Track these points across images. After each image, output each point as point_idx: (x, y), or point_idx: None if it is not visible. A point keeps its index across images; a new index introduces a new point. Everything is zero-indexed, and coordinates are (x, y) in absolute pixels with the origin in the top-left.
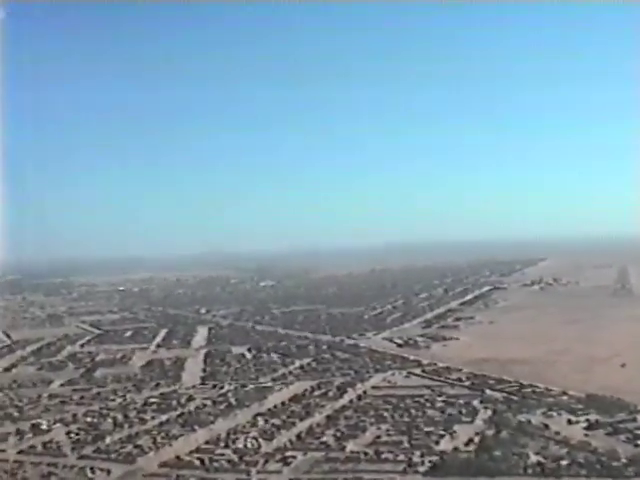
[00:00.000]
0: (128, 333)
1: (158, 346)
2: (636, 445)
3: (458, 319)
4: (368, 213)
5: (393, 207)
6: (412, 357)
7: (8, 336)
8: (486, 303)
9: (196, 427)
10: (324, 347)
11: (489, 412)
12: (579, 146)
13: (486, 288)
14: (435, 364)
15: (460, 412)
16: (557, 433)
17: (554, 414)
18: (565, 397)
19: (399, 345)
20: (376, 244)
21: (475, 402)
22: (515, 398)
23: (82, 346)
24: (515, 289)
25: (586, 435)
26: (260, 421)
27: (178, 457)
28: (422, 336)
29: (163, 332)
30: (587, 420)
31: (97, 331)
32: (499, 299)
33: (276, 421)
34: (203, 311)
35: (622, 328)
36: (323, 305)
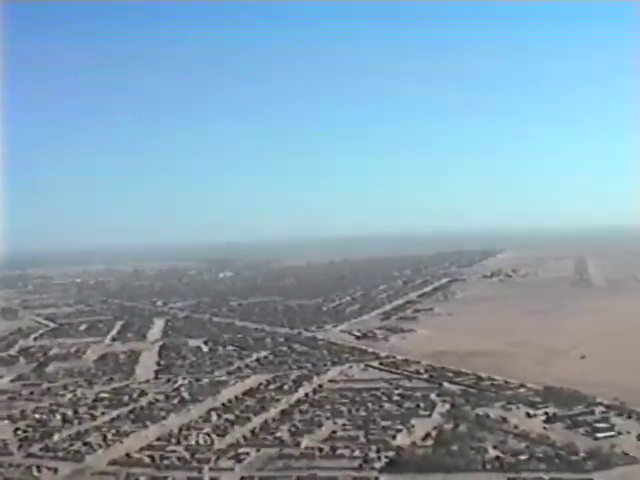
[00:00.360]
0: (83, 326)
1: (113, 339)
2: (595, 438)
3: (417, 311)
4: (334, 205)
5: (357, 199)
6: (370, 349)
7: None
8: (445, 295)
9: (148, 423)
10: (281, 340)
11: (447, 405)
12: (543, 137)
13: (445, 280)
14: (393, 357)
15: (418, 406)
16: (516, 427)
17: (513, 407)
18: (523, 390)
19: (357, 337)
20: (341, 235)
21: (433, 395)
22: (473, 391)
23: (35, 340)
24: (474, 281)
25: (545, 428)
26: (213, 416)
27: (128, 454)
28: (381, 328)
29: (119, 325)
30: (546, 413)
31: (52, 324)
32: (458, 291)
33: (230, 416)
34: (160, 303)
35: (581, 319)
36: (281, 297)
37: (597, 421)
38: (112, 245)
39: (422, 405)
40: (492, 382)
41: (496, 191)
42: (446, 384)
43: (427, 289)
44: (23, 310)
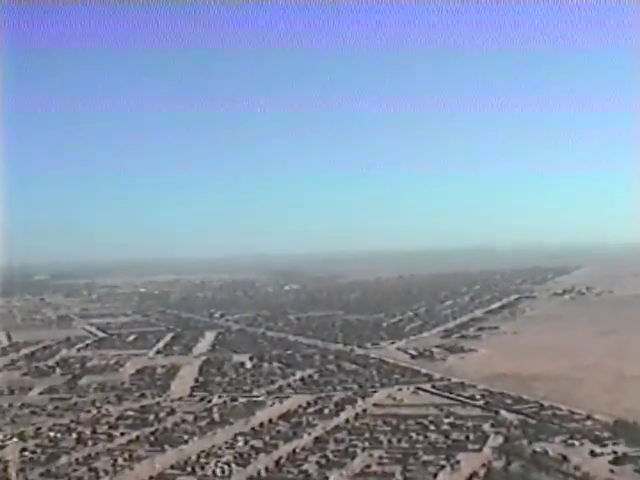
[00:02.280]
0: (132, 337)
1: (157, 352)
2: None
3: (481, 329)
4: (405, 218)
5: (428, 212)
6: (424, 370)
7: (9, 337)
8: (513, 312)
9: (166, 447)
10: (331, 357)
11: (500, 438)
12: (617, 152)
13: (514, 296)
14: (448, 379)
15: (467, 437)
16: (577, 468)
17: (576, 443)
18: (590, 422)
19: (413, 356)
20: (410, 249)
21: (486, 425)
22: (532, 422)
23: (79, 350)
24: (545, 298)
25: (612, 471)
26: (239, 442)
27: None
28: (439, 347)
29: (169, 337)
30: (614, 452)
31: (102, 334)
32: (527, 308)
33: (257, 443)
34: (217, 315)
35: None
36: (342, 311)
37: None
38: (184, 256)
39: (472, 437)
40: (554, 412)
41: (577, 205)
42: (503, 412)
43: (495, 306)
44: (79, 319)
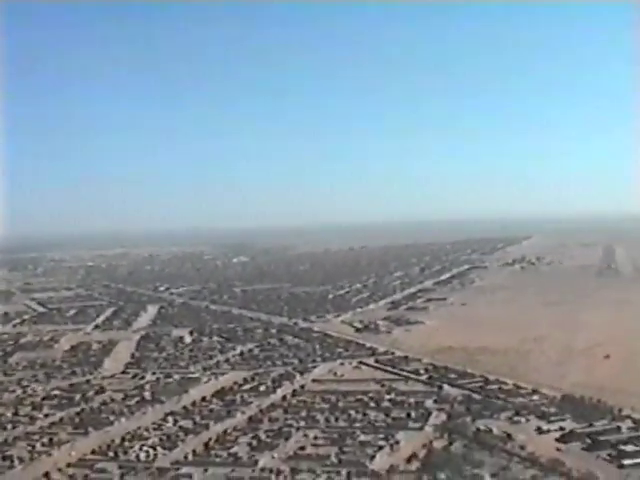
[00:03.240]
0: (72, 312)
1: (96, 327)
2: (620, 466)
3: (428, 300)
4: (359, 191)
5: (382, 185)
6: (368, 344)
7: None
8: (462, 283)
9: (90, 429)
10: (273, 330)
11: (443, 416)
12: (567, 124)
13: (465, 267)
14: (392, 353)
15: (409, 415)
16: (522, 447)
17: (522, 419)
18: (536, 397)
19: (357, 329)
20: (363, 222)
21: (429, 402)
22: (477, 397)
23: (14, 326)
24: (495, 268)
25: (558, 450)
26: (169, 422)
27: (47, 474)
28: (385, 319)
29: (110, 311)
30: (561, 429)
31: (41, 309)
32: (476, 279)
33: (187, 423)
34: (162, 289)
35: (607, 313)
36: (289, 284)
37: (624, 442)
38: (137, 230)
39: (414, 414)
40: (500, 386)
41: (525, 177)
42: (447, 387)
43: (444, 277)
44: (20, 294)
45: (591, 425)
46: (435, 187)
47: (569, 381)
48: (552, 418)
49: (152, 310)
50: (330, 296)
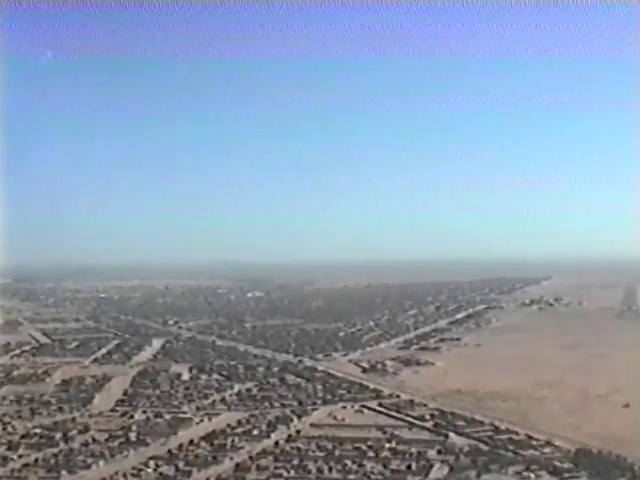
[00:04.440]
0: (74, 344)
1: (94, 360)
2: None
3: (442, 340)
4: (381, 228)
5: (402, 224)
6: (373, 385)
7: None
8: (477, 323)
9: (63, 473)
10: (276, 369)
11: (446, 469)
12: (586, 166)
13: (481, 306)
14: (397, 396)
15: (409, 467)
16: None
17: (531, 475)
18: (549, 449)
19: (364, 369)
20: (382, 260)
21: (432, 452)
22: (485, 448)
23: (12, 357)
24: (512, 309)
25: None
26: (150, 468)
27: None
28: (394, 359)
29: (113, 344)
30: None
31: (44, 340)
32: (493, 319)
33: (169, 469)
34: (171, 322)
35: (627, 356)
36: (301, 320)
37: None
38: (157, 262)
39: (414, 466)
40: (510, 436)
41: (545, 217)
42: (452, 436)
43: (460, 316)
44: (28, 324)
45: None
46: (455, 226)
47: (585, 431)
48: (565, 475)
49: (156, 344)
50: (341, 334)
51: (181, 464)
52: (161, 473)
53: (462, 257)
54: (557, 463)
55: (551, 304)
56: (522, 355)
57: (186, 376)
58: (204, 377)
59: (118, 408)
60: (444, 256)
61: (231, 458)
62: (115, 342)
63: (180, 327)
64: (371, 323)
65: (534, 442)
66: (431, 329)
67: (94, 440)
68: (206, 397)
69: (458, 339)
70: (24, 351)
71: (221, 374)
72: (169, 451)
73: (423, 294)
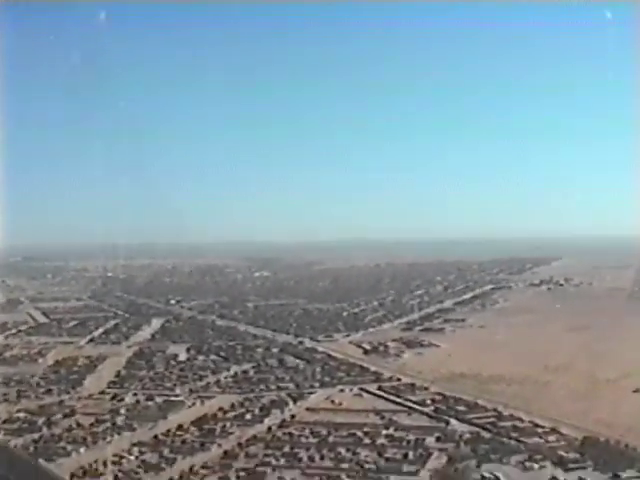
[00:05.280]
0: (72, 323)
1: (90, 340)
2: None
3: (446, 321)
4: (393, 207)
5: (414, 203)
6: (374, 368)
7: None
8: (483, 303)
9: (41, 461)
10: (275, 350)
11: (445, 458)
12: (604, 145)
13: (489, 287)
14: (399, 379)
15: (405, 456)
16: None
17: (535, 466)
18: (554, 438)
19: (365, 351)
20: (397, 239)
21: (430, 440)
22: (487, 435)
23: (7, 337)
24: (521, 289)
25: None
26: (132, 455)
27: None
28: (397, 340)
29: (111, 323)
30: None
31: (43, 319)
32: (500, 299)
33: (152, 457)
34: (173, 301)
35: (638, 339)
36: (305, 300)
37: None
38: (168, 241)
39: (411, 455)
40: (514, 423)
41: (558, 197)
42: (454, 422)
43: (466, 296)
44: (29, 303)
45: (616, 476)
46: (467, 205)
47: (592, 418)
48: (570, 465)
49: (156, 323)
50: (344, 314)
51: (166, 451)
52: (144, 460)
53: (473, 237)
54: (562, 452)
55: (561, 285)
56: (528, 337)
57: (183, 357)
58: (201, 358)
59: (109, 390)
60: (456, 235)
61: (219, 445)
62: (114, 322)
63: (182, 306)
64: (375, 303)
65: (539, 429)
66: (436, 309)
67: (78, 425)
68: (201, 379)
69: (463, 320)
70: (20, 331)
71: (219, 355)
72: (155, 437)
73: (431, 274)
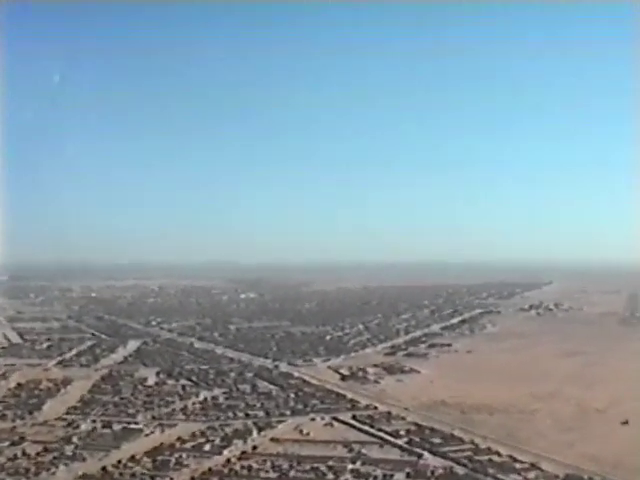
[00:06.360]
0: (45, 344)
1: (60, 362)
2: None
3: (431, 346)
4: (386, 230)
5: (403, 226)
6: (350, 395)
7: None
8: (471, 328)
9: None
10: (249, 374)
11: None
12: (591, 170)
13: (478, 311)
14: (375, 407)
15: None
16: None
17: None
18: (533, 474)
19: (343, 377)
20: (389, 262)
21: (399, 476)
22: (461, 471)
23: None
24: (510, 313)
25: None
26: None
27: None
28: (377, 366)
29: (86, 345)
30: None
31: (17, 340)
32: (488, 324)
33: None
34: (154, 323)
35: (629, 366)
36: (288, 322)
37: None
38: (155, 261)
39: None
40: (491, 457)
41: (549, 222)
42: (427, 455)
43: (454, 320)
44: (6, 323)
45: None
46: (458, 230)
47: (578, 452)
48: None
49: (132, 345)
50: (327, 337)
51: None
52: None
53: (463, 260)
54: None
55: (550, 309)
56: (516, 363)
57: (151, 381)
58: (170, 382)
59: (67, 416)
60: (445, 258)
61: (171, 479)
62: (89, 343)
63: (162, 328)
64: (360, 326)
65: (517, 465)
66: (422, 334)
67: (24, 454)
68: (166, 405)
69: (449, 345)
70: None
71: (190, 379)
72: (104, 468)
73: (419, 297)
